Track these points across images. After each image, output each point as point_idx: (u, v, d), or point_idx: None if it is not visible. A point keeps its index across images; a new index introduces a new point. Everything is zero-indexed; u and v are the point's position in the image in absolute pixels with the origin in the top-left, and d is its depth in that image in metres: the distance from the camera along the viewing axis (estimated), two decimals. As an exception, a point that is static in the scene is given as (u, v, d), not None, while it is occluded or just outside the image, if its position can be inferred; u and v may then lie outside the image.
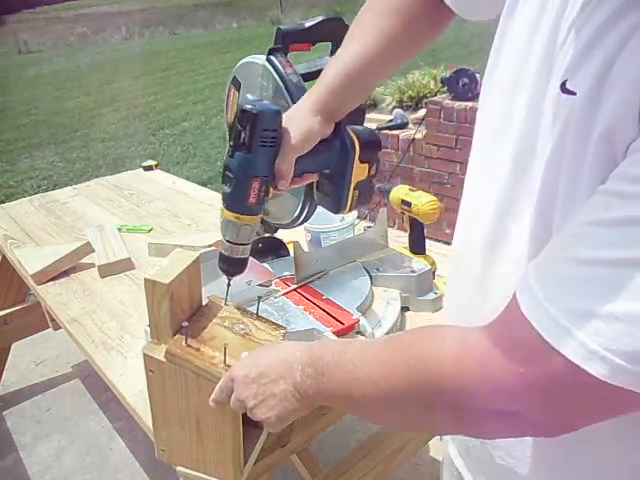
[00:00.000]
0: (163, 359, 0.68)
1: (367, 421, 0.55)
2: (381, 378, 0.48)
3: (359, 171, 0.76)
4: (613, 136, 0.37)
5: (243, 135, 0.64)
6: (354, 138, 0.74)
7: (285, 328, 0.75)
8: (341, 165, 0.74)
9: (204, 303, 0.75)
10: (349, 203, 0.78)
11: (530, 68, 0.45)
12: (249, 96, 0.85)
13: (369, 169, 0.77)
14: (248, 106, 0.63)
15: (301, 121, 0.67)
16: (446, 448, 0.69)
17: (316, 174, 0.74)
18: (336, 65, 0.67)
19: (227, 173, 0.66)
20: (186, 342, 0.67)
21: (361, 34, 0.66)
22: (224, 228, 0.70)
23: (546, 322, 0.36)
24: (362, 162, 0.75)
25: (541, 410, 0.39)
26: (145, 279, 0.66)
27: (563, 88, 0.40)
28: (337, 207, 0.78)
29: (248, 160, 0.65)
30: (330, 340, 0.80)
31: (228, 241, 0.71)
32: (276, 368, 0.58)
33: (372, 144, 0.77)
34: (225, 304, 0.75)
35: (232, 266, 0.73)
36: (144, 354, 0.69)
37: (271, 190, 0.69)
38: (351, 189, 0.76)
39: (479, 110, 0.55)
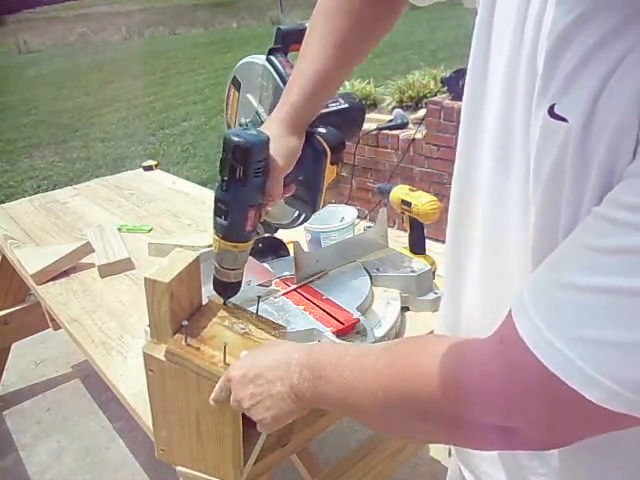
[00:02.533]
0: (163, 358, 0.68)
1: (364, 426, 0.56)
2: (378, 389, 0.48)
3: (330, 173, 0.78)
4: (614, 162, 0.36)
5: (238, 170, 0.63)
6: (323, 143, 0.76)
7: (285, 328, 0.75)
8: (315, 171, 0.76)
9: (204, 302, 0.75)
10: (322, 203, 0.81)
11: (518, 89, 0.44)
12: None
13: (337, 169, 0.80)
14: (239, 139, 0.62)
15: (282, 142, 0.68)
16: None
17: (293, 185, 0.76)
18: (300, 81, 0.68)
19: (220, 206, 0.66)
20: (186, 341, 0.67)
21: (319, 42, 0.67)
22: (221, 258, 0.71)
23: (543, 346, 0.36)
24: (332, 164, 0.77)
25: (538, 428, 0.40)
26: (145, 278, 0.66)
27: (551, 112, 0.39)
28: (313, 210, 0.81)
29: (244, 192, 0.65)
30: (329, 343, 0.80)
31: (226, 268, 0.72)
32: (273, 369, 0.58)
33: (340, 146, 0.79)
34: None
35: (230, 290, 0.75)
36: (144, 353, 0.69)
37: (262, 214, 0.70)
38: (324, 191, 0.79)
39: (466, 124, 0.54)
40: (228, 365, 0.65)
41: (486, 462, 0.59)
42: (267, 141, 0.65)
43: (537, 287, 0.39)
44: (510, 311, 0.40)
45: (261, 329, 0.72)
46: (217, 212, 0.67)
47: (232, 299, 0.76)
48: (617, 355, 0.34)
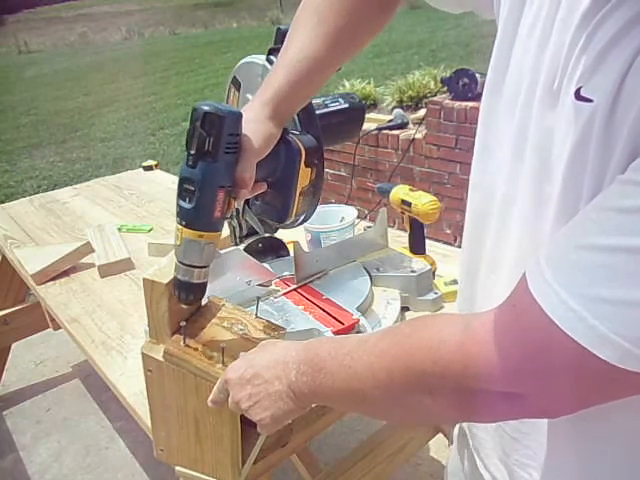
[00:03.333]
0: (161, 359, 0.68)
1: (365, 415, 0.55)
2: (381, 370, 0.48)
3: (304, 176, 0.73)
4: (639, 136, 0.36)
5: (208, 141, 0.57)
6: (299, 143, 0.72)
7: (284, 329, 0.75)
8: (288, 171, 0.71)
9: (203, 303, 0.75)
10: (294, 210, 0.74)
11: (540, 77, 0.45)
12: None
13: (311, 173, 0.75)
14: (209, 108, 0.57)
15: (259, 125, 0.63)
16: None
17: (265, 183, 0.70)
18: (286, 66, 0.65)
19: (186, 186, 0.59)
20: (184, 342, 0.67)
21: (309, 32, 0.65)
22: (184, 250, 0.62)
23: (558, 307, 0.36)
24: (307, 166, 0.73)
25: (548, 393, 0.40)
26: (143, 279, 0.66)
27: (577, 95, 0.40)
28: (283, 216, 0.74)
29: (214, 169, 0.58)
30: (326, 337, 0.80)
31: (189, 265, 0.63)
32: (270, 369, 0.58)
33: (315, 148, 0.75)
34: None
35: (193, 292, 0.65)
36: (142, 353, 0.69)
37: (232, 202, 0.63)
38: (297, 195, 0.73)
39: (485, 120, 0.54)
40: (226, 366, 0.65)
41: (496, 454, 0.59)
42: (240, 115, 0.59)
43: (553, 249, 0.39)
44: (522, 278, 0.40)
45: (260, 330, 0.72)
46: (181, 194, 0.59)
47: (232, 299, 0.76)
48: (632, 314, 0.34)
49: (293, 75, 0.64)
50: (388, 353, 0.48)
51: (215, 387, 0.64)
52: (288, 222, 0.76)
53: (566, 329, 0.36)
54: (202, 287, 0.65)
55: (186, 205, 0.59)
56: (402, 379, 0.46)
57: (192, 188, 0.58)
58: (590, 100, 0.39)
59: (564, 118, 0.42)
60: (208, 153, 0.57)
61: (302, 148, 0.72)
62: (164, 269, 0.67)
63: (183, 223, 0.60)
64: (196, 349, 0.67)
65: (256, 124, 0.63)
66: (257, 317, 0.74)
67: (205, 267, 0.64)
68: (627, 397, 0.39)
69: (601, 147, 0.39)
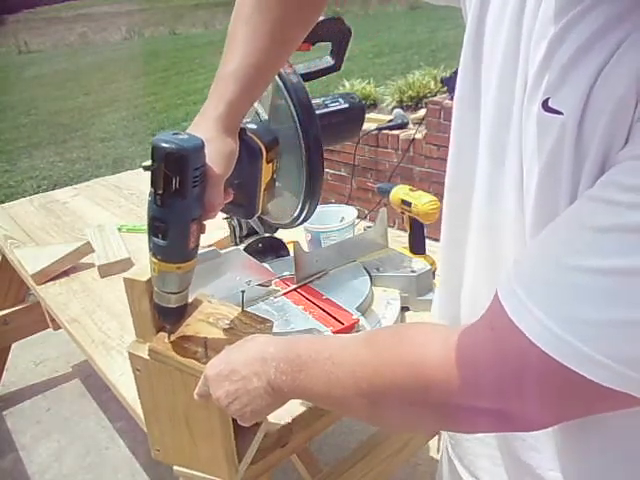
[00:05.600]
0: (147, 357, 0.68)
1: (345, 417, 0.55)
2: (362, 380, 0.48)
3: (266, 172, 0.73)
4: (608, 149, 0.37)
5: (174, 181, 0.54)
6: (258, 141, 0.70)
7: (271, 322, 0.74)
8: (251, 172, 0.70)
9: (189, 301, 0.74)
10: (260, 206, 0.75)
11: (516, 84, 0.44)
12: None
13: (272, 167, 0.75)
14: (170, 146, 0.53)
15: (218, 144, 0.60)
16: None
17: (231, 191, 0.68)
18: (235, 76, 0.62)
19: (157, 224, 0.57)
20: (169, 339, 0.67)
21: (248, 34, 0.62)
22: (162, 282, 0.62)
23: (540, 331, 0.36)
24: (268, 163, 0.73)
25: (535, 410, 0.40)
26: (124, 278, 0.66)
27: (546, 106, 0.39)
28: (251, 213, 0.75)
29: (184, 206, 0.56)
30: (306, 336, 0.79)
31: (169, 292, 0.63)
32: (248, 365, 0.57)
33: (274, 141, 0.74)
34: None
35: (177, 315, 0.66)
36: (129, 353, 0.70)
37: (204, 227, 0.62)
38: (262, 192, 0.74)
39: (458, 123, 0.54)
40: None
41: (484, 459, 0.59)
42: (203, 146, 0.56)
43: (526, 270, 0.39)
44: (496, 298, 0.40)
45: (246, 324, 0.71)
46: (153, 231, 0.58)
47: (230, 299, 0.76)
48: (618, 335, 0.34)
49: (244, 85, 0.62)
50: (370, 364, 0.48)
51: (200, 381, 0.64)
52: (284, 223, 0.75)
53: (553, 354, 0.35)
54: (181, 310, 0.66)
55: (160, 242, 0.58)
56: (385, 391, 0.46)
57: (164, 226, 0.57)
58: (559, 112, 0.38)
59: (533, 129, 0.41)
60: (176, 191, 0.55)
61: (262, 146, 0.70)
62: (145, 267, 0.65)
63: (158, 258, 0.59)
64: (181, 345, 0.67)
65: (215, 144, 0.59)
66: (243, 311, 0.74)
67: (183, 292, 0.64)
68: (612, 411, 0.39)
69: (573, 160, 0.38)
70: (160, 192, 0.55)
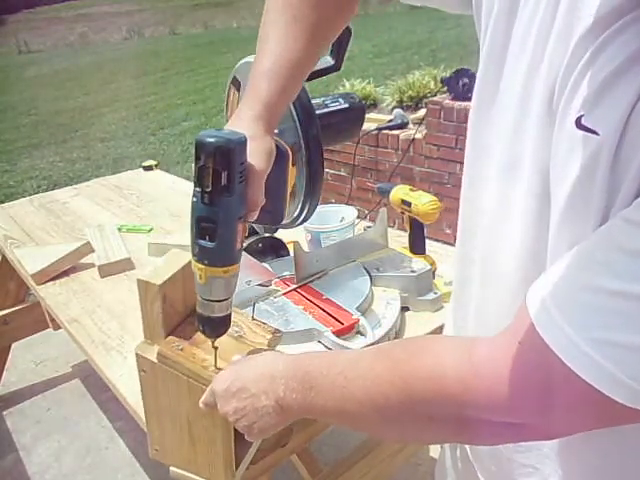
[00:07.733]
0: (155, 360, 0.68)
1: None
2: (378, 394, 0.47)
3: (292, 176, 0.72)
4: None
5: (223, 176, 0.53)
6: (284, 143, 0.69)
7: (280, 332, 0.74)
8: (279, 174, 0.68)
9: None
10: (287, 211, 0.73)
11: (534, 100, 0.44)
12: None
13: (296, 170, 0.74)
14: (218, 140, 0.53)
15: (258, 142, 0.60)
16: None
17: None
18: (270, 77, 0.61)
19: (205, 225, 0.55)
20: (178, 344, 0.67)
21: (281, 34, 0.62)
22: (210, 289, 0.59)
23: (570, 349, 0.36)
24: (293, 165, 0.72)
25: (555, 424, 0.40)
26: (137, 280, 0.66)
27: (579, 124, 0.38)
28: (279, 218, 0.72)
29: (231, 203, 0.55)
30: (315, 353, 0.79)
31: (215, 301, 0.60)
32: (258, 382, 0.57)
33: (297, 144, 0.73)
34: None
35: (222, 326, 0.63)
36: (137, 354, 0.69)
37: (246, 227, 0.60)
38: (288, 196, 0.72)
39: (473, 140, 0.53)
40: (219, 369, 0.64)
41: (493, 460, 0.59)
42: (246, 140, 0.56)
43: (561, 289, 0.38)
44: (523, 311, 0.40)
45: (255, 332, 0.72)
46: (199, 234, 0.56)
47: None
48: None
49: (280, 82, 0.61)
50: (385, 379, 0.47)
51: (207, 390, 0.63)
52: (284, 223, 0.74)
53: (579, 372, 0.36)
54: (229, 317, 0.63)
55: (208, 244, 0.56)
56: (401, 406, 0.46)
57: (212, 226, 0.55)
58: (594, 132, 0.37)
59: (564, 144, 0.40)
60: (224, 188, 0.54)
61: (288, 149, 0.70)
62: (159, 270, 0.66)
63: (205, 262, 0.57)
64: (190, 351, 0.67)
65: (256, 142, 0.59)
66: (254, 319, 0.74)
67: (229, 298, 0.62)
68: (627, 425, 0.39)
69: (608, 181, 0.38)
70: (208, 190, 0.54)
